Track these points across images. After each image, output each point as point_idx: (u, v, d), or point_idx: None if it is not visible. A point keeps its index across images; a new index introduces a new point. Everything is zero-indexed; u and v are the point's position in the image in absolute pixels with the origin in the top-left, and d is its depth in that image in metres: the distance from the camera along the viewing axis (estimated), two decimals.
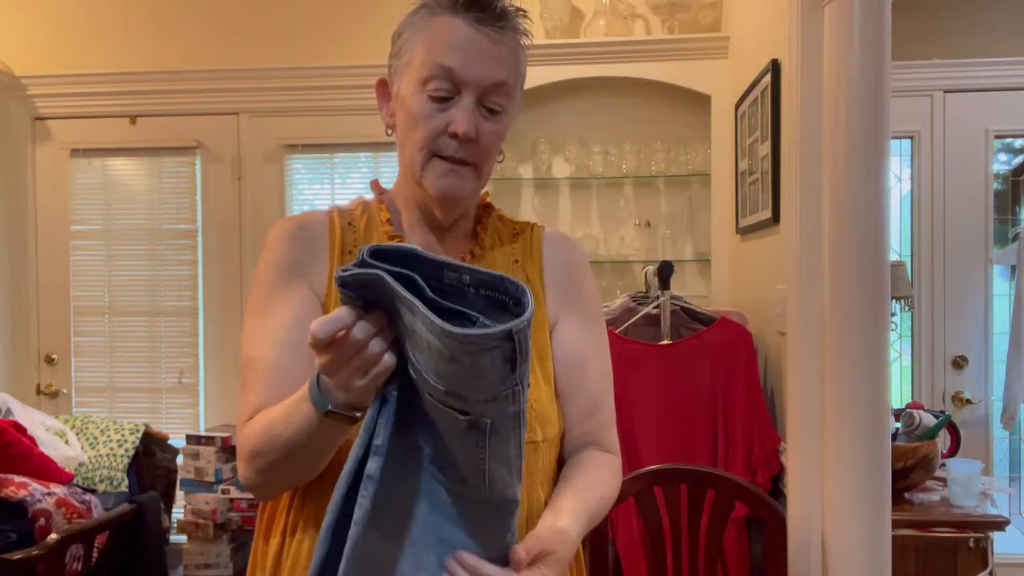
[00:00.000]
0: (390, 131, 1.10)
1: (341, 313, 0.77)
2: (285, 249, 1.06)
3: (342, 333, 0.77)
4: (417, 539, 0.83)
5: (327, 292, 1.04)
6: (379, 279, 0.73)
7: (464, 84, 1.01)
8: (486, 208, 1.18)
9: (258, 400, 0.97)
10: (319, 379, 0.84)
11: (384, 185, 1.18)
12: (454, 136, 1.01)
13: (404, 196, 1.12)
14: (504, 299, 0.75)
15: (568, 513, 0.99)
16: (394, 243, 0.79)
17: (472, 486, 0.82)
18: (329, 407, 0.84)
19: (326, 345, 0.78)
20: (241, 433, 0.98)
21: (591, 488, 1.06)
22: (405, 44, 1.05)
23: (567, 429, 1.10)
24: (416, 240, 1.11)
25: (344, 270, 0.75)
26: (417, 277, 0.75)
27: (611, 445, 1.13)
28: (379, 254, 0.76)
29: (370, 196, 1.17)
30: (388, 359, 0.78)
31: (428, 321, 0.71)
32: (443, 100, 1.01)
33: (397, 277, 0.74)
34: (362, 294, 0.76)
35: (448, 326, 0.70)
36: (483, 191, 1.16)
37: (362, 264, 0.75)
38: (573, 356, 1.11)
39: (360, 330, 0.77)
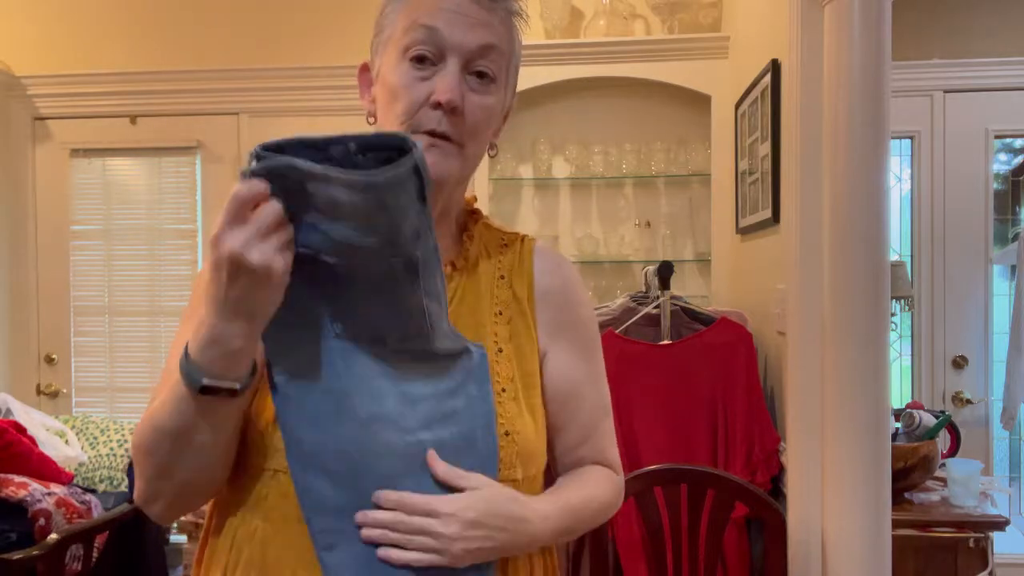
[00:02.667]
0: (371, 119, 1.00)
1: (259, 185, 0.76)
2: None
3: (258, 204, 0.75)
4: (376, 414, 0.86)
5: None
6: (290, 164, 0.75)
7: (449, 47, 0.91)
8: (472, 214, 1.06)
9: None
10: (187, 353, 0.80)
11: None
12: (437, 106, 0.90)
13: None
14: (390, 154, 0.78)
15: (543, 498, 0.95)
16: (280, 138, 0.78)
17: (413, 337, 0.86)
18: (204, 381, 0.79)
19: (236, 213, 0.75)
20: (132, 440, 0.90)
21: (576, 486, 1.00)
22: (387, 19, 0.97)
23: (560, 456, 1.03)
24: None
25: (252, 165, 0.76)
26: (313, 164, 0.77)
27: (611, 463, 1.07)
28: (270, 148, 0.77)
29: None
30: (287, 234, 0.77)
31: (348, 180, 0.75)
32: (426, 66, 0.92)
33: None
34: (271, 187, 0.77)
35: (371, 175, 0.75)
36: (471, 195, 1.07)
37: (258, 158, 0.76)
38: (566, 389, 1.02)
39: (274, 206, 0.76)
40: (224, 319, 0.77)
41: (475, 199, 1.08)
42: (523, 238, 1.08)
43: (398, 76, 0.93)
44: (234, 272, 0.75)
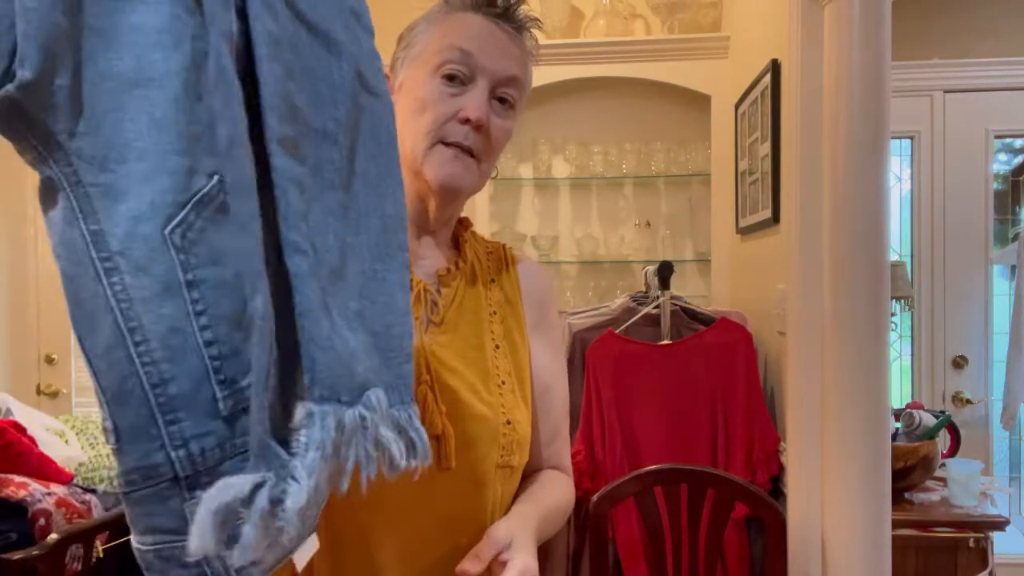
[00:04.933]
0: None
1: None
2: None
3: None
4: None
5: None
6: None
7: (480, 70, 0.99)
8: (461, 222, 1.15)
9: None
10: None
11: None
12: (465, 121, 0.98)
13: None
14: None
15: (520, 510, 1.00)
16: None
17: None
18: None
19: None
20: None
21: (547, 494, 1.07)
22: (418, 35, 1.04)
23: (533, 451, 1.09)
24: None
25: None
26: None
27: (567, 468, 1.16)
28: None
29: None
30: None
31: None
32: (456, 85, 0.99)
33: None
34: None
35: None
36: None
37: None
38: (544, 380, 1.11)
39: None
40: None
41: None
42: (503, 246, 1.18)
43: (428, 91, 0.99)
44: None
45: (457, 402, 0.97)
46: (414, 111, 1.00)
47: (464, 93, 0.99)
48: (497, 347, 1.05)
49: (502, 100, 1.02)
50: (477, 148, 0.99)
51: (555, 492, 1.08)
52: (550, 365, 1.12)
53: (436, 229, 1.07)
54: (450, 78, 0.99)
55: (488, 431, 0.98)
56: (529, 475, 1.10)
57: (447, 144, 0.98)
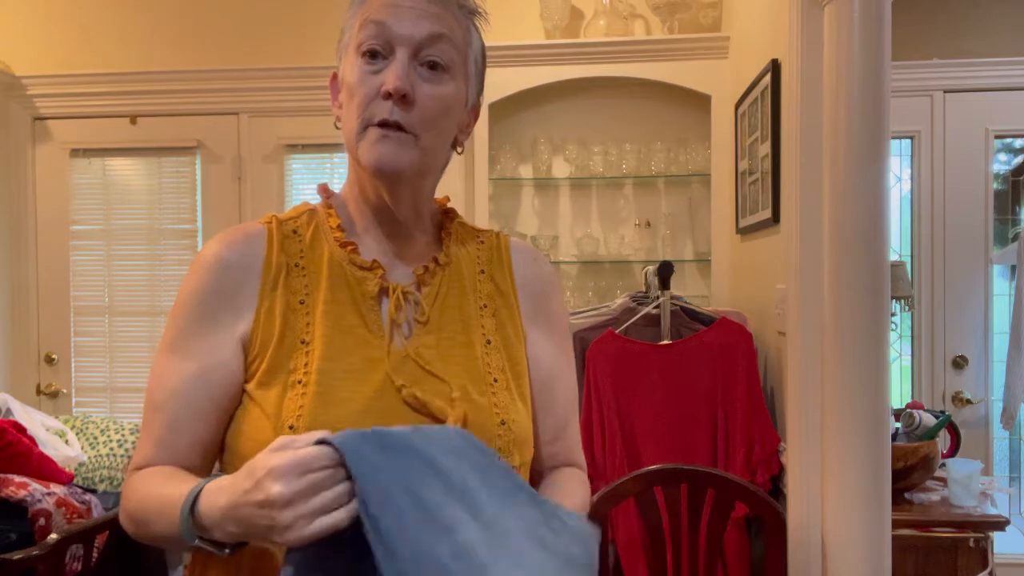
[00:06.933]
0: (339, 123, 1.02)
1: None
2: (210, 277, 0.96)
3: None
4: None
5: (255, 317, 0.95)
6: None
7: (397, 39, 0.93)
8: (447, 213, 1.09)
9: (149, 453, 0.93)
10: (195, 505, 0.81)
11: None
12: (387, 96, 0.92)
13: (354, 195, 1.02)
14: None
15: None
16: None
17: None
18: (196, 541, 0.81)
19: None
20: (127, 481, 0.94)
21: (564, 500, 1.01)
22: (346, 24, 1.00)
23: (536, 449, 1.04)
24: (370, 246, 1.01)
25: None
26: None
27: (580, 464, 1.10)
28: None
29: (316, 201, 1.07)
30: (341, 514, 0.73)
31: None
32: (377, 60, 0.94)
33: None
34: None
35: None
36: (442, 197, 1.09)
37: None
38: (545, 373, 1.05)
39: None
40: (243, 533, 0.79)
41: (448, 199, 1.10)
42: (497, 234, 1.11)
43: (353, 73, 0.96)
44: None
45: (443, 411, 0.93)
46: (348, 97, 0.97)
47: (386, 67, 0.94)
48: (488, 342, 1.00)
49: (432, 65, 0.95)
50: (407, 122, 0.93)
51: (573, 498, 1.01)
52: (551, 357, 1.06)
53: (406, 222, 1.01)
54: (371, 55, 0.94)
55: (480, 436, 0.92)
56: (540, 472, 1.05)
57: (376, 125, 0.93)
